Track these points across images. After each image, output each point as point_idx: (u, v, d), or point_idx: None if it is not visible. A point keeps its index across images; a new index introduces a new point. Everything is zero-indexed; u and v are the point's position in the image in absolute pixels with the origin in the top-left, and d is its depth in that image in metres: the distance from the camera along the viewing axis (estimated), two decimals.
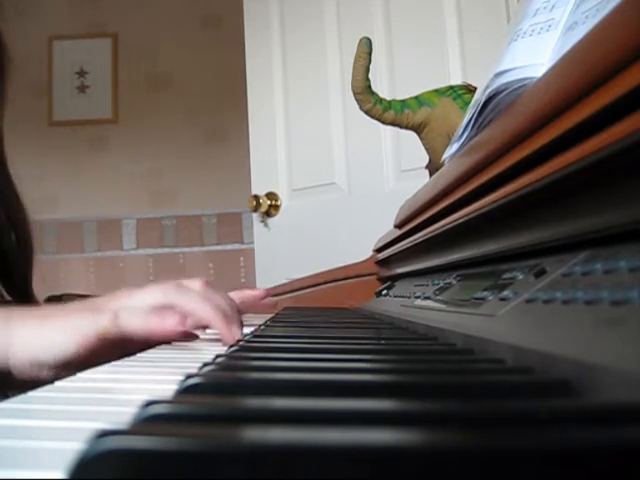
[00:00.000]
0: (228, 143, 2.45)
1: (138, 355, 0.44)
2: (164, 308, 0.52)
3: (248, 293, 0.80)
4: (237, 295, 0.76)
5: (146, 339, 0.50)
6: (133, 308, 0.51)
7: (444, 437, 0.15)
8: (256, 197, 1.93)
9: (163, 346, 0.51)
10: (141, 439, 0.13)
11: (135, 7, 2.54)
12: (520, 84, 0.49)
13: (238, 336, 0.52)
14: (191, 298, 0.52)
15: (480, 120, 0.58)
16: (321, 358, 0.35)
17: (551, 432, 0.14)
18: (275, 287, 1.45)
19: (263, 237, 1.99)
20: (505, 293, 0.39)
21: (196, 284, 0.56)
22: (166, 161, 2.49)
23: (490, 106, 0.55)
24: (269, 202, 1.94)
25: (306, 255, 1.80)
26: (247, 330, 0.59)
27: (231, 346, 0.40)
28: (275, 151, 1.95)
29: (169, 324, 0.49)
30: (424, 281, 0.72)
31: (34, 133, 2.49)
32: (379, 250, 1.10)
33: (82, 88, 2.53)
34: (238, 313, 0.57)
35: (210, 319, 0.52)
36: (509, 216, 0.47)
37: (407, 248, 0.84)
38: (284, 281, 1.52)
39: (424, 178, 0.94)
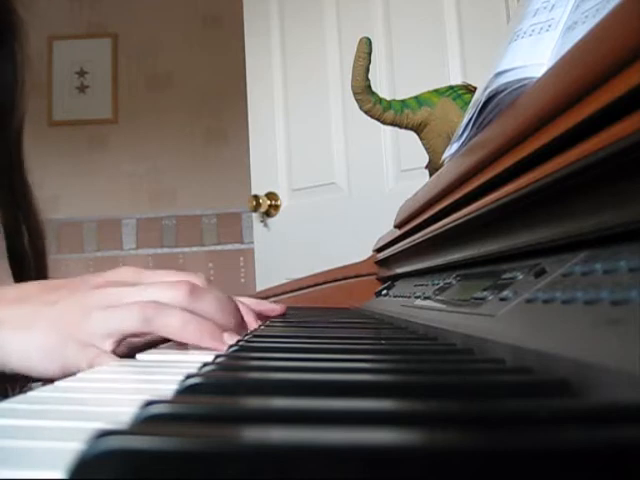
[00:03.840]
0: (228, 143, 2.45)
1: (138, 356, 0.44)
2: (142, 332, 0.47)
3: (269, 307, 0.76)
4: (258, 306, 0.73)
5: None
6: (112, 340, 0.46)
7: (444, 437, 0.15)
8: (256, 197, 1.93)
9: (164, 347, 0.51)
10: (141, 439, 0.13)
11: (135, 7, 2.54)
12: (520, 84, 0.49)
13: (231, 341, 0.47)
14: (174, 320, 0.46)
15: (480, 120, 0.58)
16: (321, 358, 0.35)
17: (551, 432, 0.14)
18: (275, 287, 1.45)
19: (263, 237, 1.99)
20: (505, 293, 0.39)
21: (180, 292, 0.48)
22: (166, 161, 2.49)
23: (490, 106, 0.55)
24: (269, 202, 1.94)
25: (306, 255, 1.80)
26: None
27: (231, 346, 0.40)
28: (275, 151, 1.95)
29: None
30: (424, 281, 0.72)
31: (34, 133, 2.48)
32: (379, 250, 1.10)
33: (82, 88, 2.53)
34: (235, 312, 0.52)
35: (196, 342, 0.47)
36: (509, 216, 0.47)
37: (407, 248, 0.84)
38: (284, 281, 1.52)
39: (424, 178, 0.94)
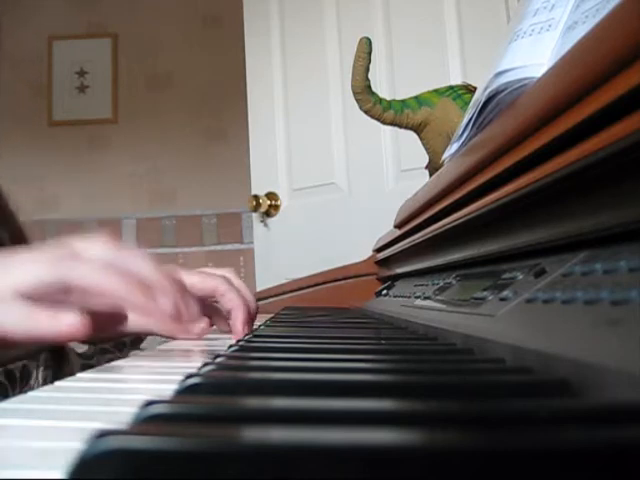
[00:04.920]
0: (228, 143, 2.45)
1: (139, 355, 0.44)
2: (55, 289, 0.36)
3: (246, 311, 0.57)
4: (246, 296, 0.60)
5: (32, 341, 0.36)
6: (8, 297, 0.35)
7: (444, 437, 0.15)
8: (256, 197, 1.93)
9: (166, 345, 0.50)
10: (141, 439, 0.13)
11: (135, 7, 2.54)
12: (520, 84, 0.49)
13: (168, 307, 0.38)
14: (92, 269, 0.36)
15: (480, 120, 0.58)
16: (321, 358, 0.35)
17: (551, 432, 0.14)
18: (275, 287, 1.45)
19: (263, 237, 1.99)
20: (505, 293, 0.39)
21: (99, 246, 0.39)
22: (166, 161, 2.49)
23: (490, 106, 0.55)
24: (269, 202, 1.94)
25: (306, 255, 1.80)
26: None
27: (231, 346, 0.40)
28: (275, 151, 1.95)
29: (65, 324, 0.34)
30: (424, 281, 0.72)
31: (34, 133, 2.48)
32: (379, 250, 1.10)
33: (82, 88, 2.53)
34: (174, 282, 0.41)
35: (122, 295, 0.37)
36: (509, 216, 0.47)
37: (407, 248, 0.84)
38: (284, 281, 1.52)
39: (424, 178, 0.94)
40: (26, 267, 0.36)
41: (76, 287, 0.36)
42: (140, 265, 0.39)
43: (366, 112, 0.96)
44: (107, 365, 0.40)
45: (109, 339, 0.56)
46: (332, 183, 1.83)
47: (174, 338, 0.41)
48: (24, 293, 0.35)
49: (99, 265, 0.36)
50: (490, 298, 0.41)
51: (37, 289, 0.35)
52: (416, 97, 0.95)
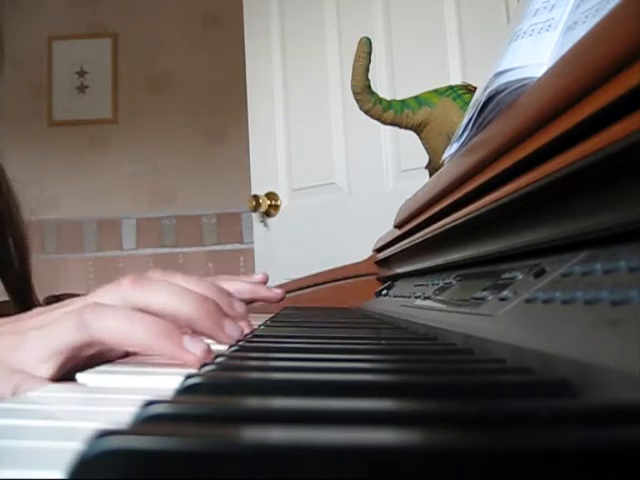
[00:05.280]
0: (228, 143, 2.45)
1: (138, 355, 0.44)
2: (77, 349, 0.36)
3: (265, 294, 0.71)
4: (252, 294, 0.69)
5: None
6: (52, 364, 0.36)
7: (444, 437, 0.15)
8: (256, 197, 1.93)
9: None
10: (141, 439, 0.13)
11: (135, 7, 2.54)
12: (520, 84, 0.49)
13: (236, 334, 0.40)
14: (113, 319, 0.36)
15: (480, 120, 0.58)
16: (321, 358, 0.35)
17: (551, 432, 0.14)
18: (275, 287, 1.45)
19: (263, 237, 1.99)
20: (505, 293, 0.39)
21: (120, 285, 0.39)
22: (166, 161, 2.49)
23: (490, 106, 0.55)
24: (269, 202, 1.94)
25: (306, 255, 1.80)
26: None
27: (231, 346, 0.40)
28: (275, 151, 1.95)
29: None
30: (424, 281, 0.72)
31: (34, 133, 2.49)
32: (379, 250, 1.10)
33: (82, 88, 2.53)
34: (233, 303, 0.43)
35: (145, 348, 0.36)
36: (509, 216, 0.47)
37: (407, 248, 0.84)
38: (284, 281, 1.52)
39: (424, 178, 0.94)
40: (57, 330, 0.37)
41: (99, 342, 0.37)
42: (162, 298, 0.39)
43: (366, 112, 0.96)
44: (107, 365, 0.40)
45: None
46: (332, 183, 1.83)
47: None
48: (62, 353, 0.36)
49: (120, 315, 0.36)
50: (490, 298, 0.41)
51: (72, 349, 0.37)
52: (416, 97, 0.95)
